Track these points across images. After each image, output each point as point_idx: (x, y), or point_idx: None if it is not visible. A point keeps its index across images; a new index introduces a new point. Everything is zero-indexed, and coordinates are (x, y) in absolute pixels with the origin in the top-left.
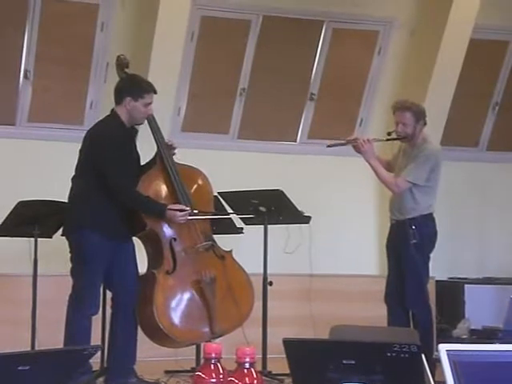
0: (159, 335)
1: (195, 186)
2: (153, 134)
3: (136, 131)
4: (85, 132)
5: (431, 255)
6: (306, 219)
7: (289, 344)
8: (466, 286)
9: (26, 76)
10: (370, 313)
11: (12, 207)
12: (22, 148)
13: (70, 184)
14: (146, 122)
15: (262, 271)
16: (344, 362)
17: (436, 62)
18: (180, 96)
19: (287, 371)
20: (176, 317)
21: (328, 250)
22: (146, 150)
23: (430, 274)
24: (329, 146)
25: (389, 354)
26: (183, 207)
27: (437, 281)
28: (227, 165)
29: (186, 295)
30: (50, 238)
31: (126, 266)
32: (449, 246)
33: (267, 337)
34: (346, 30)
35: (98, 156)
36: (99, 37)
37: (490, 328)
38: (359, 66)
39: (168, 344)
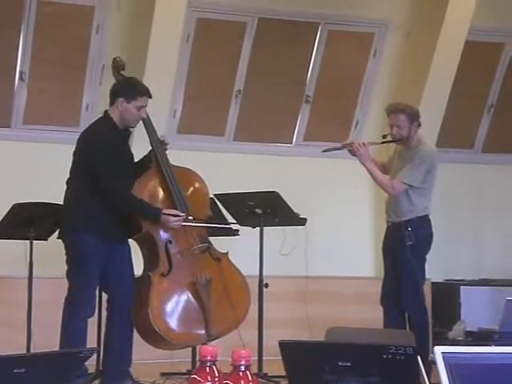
0: (155, 337)
1: (191, 189)
2: (148, 135)
3: (129, 132)
4: None
5: (427, 257)
6: (301, 221)
7: (285, 346)
8: (461, 287)
9: (21, 78)
10: (366, 315)
11: (7, 209)
12: (18, 150)
13: (65, 186)
14: (141, 122)
15: (257, 273)
16: (340, 363)
17: (431, 64)
18: (176, 98)
19: (283, 373)
20: (171, 319)
21: (324, 251)
22: (143, 150)
23: (426, 276)
24: (324, 151)
25: (385, 356)
26: (178, 213)
27: (433, 282)
28: (223, 167)
29: (182, 297)
30: (46, 240)
31: (121, 268)
32: (445, 247)
33: (263, 339)
34: (341, 32)
35: (91, 158)
36: (95, 39)
37: (486, 330)
38: (354, 68)
39: (163, 346)
